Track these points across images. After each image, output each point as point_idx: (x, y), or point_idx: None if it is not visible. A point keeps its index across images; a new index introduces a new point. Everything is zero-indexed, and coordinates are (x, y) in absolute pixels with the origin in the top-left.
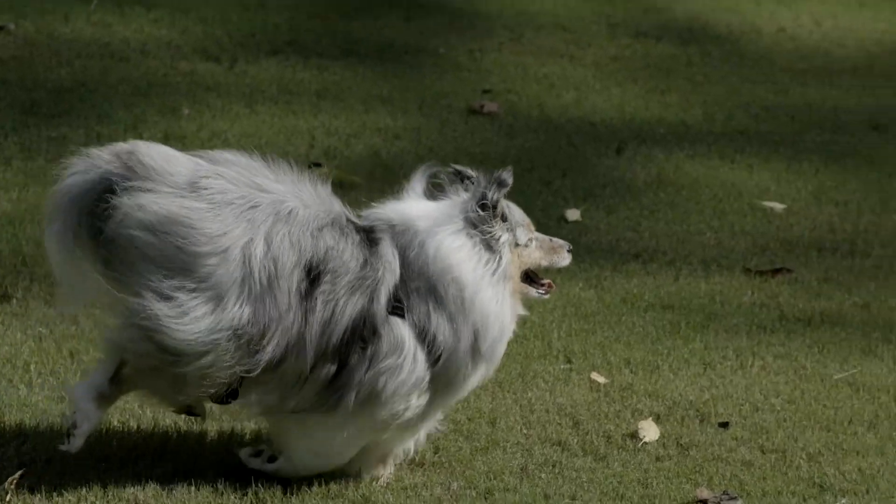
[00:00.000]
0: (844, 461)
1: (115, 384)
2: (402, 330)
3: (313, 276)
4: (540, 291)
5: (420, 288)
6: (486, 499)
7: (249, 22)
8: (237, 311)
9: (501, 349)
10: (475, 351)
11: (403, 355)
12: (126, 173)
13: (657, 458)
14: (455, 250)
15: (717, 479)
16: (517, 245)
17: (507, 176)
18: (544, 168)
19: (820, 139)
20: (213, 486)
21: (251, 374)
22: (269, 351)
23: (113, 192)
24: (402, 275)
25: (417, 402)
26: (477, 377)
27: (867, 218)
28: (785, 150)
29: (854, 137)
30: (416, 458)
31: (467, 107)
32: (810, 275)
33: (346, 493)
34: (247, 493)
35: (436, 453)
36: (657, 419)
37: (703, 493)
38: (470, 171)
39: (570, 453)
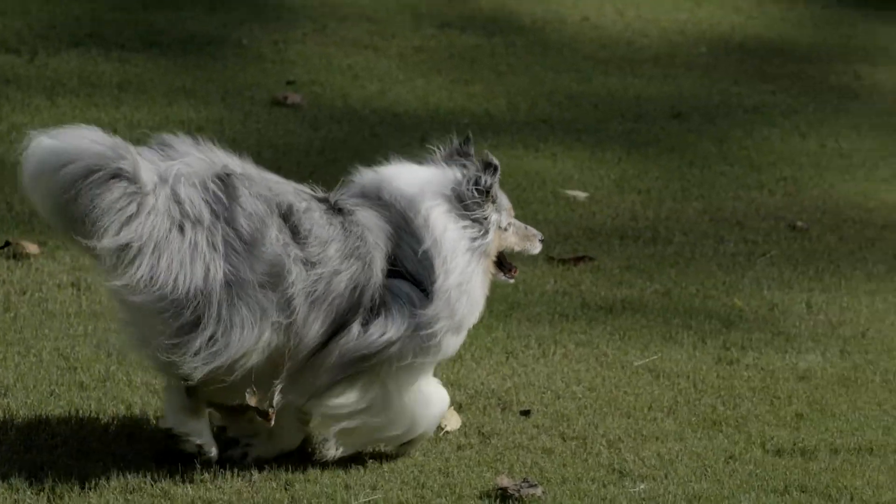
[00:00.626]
0: (644, 447)
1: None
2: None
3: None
4: (507, 276)
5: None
6: (286, 489)
7: (50, 13)
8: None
9: (472, 320)
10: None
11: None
12: None
13: (458, 447)
14: (442, 218)
15: (517, 467)
16: (499, 227)
17: (494, 159)
18: (348, 159)
19: (622, 128)
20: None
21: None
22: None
23: None
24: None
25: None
26: (451, 342)
27: (668, 206)
28: (588, 139)
29: (656, 126)
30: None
31: (271, 98)
32: (612, 262)
33: (146, 487)
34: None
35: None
36: (459, 408)
37: (504, 480)
38: (467, 149)
39: None
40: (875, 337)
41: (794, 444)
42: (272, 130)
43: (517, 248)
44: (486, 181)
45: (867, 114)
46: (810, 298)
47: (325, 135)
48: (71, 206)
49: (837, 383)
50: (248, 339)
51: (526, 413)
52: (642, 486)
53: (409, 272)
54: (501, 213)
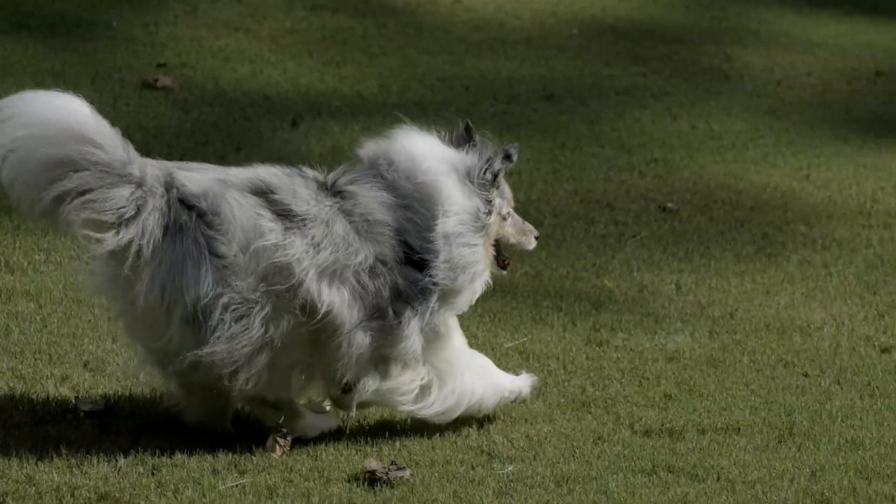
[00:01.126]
0: (513, 429)
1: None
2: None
3: None
4: (501, 268)
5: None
6: (153, 474)
7: None
8: None
9: (476, 287)
10: (450, 268)
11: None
12: None
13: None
14: (454, 184)
15: (386, 450)
16: (500, 213)
17: (515, 151)
18: (219, 142)
19: (494, 109)
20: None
21: None
22: None
23: None
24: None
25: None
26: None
27: (539, 188)
28: (459, 121)
29: (528, 108)
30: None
31: (141, 81)
32: None
33: (10, 472)
34: None
35: (104, 431)
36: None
37: (372, 463)
38: (472, 135)
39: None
40: (743, 317)
41: (662, 425)
42: (143, 113)
43: (513, 241)
44: (496, 166)
45: (738, 95)
46: (680, 280)
47: (196, 117)
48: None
49: (706, 364)
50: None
51: None
52: (510, 468)
53: (413, 246)
54: (504, 201)
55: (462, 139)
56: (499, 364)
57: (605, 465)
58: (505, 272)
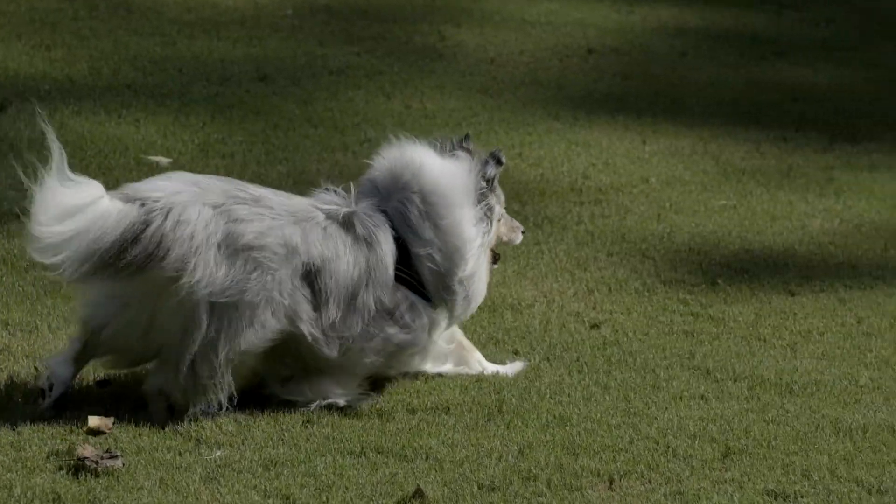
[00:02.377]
0: (222, 414)
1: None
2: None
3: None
4: (493, 262)
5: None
6: None
7: None
8: None
9: (477, 304)
10: (466, 301)
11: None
12: None
13: (32, 419)
14: (469, 221)
15: (93, 438)
16: (498, 220)
17: (503, 155)
18: None
19: (207, 91)
20: None
21: None
22: None
23: None
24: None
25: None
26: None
27: (252, 169)
28: (172, 104)
29: (241, 89)
30: None
31: None
32: None
33: None
34: None
35: None
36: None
37: (87, 450)
38: (468, 145)
39: None
40: None
41: (372, 406)
42: None
43: (505, 239)
44: (490, 172)
45: (451, 74)
46: None
47: None
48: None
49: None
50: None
51: (104, 383)
52: (219, 454)
53: (430, 291)
54: (500, 204)
55: (457, 147)
56: None
57: (313, 447)
58: (496, 265)
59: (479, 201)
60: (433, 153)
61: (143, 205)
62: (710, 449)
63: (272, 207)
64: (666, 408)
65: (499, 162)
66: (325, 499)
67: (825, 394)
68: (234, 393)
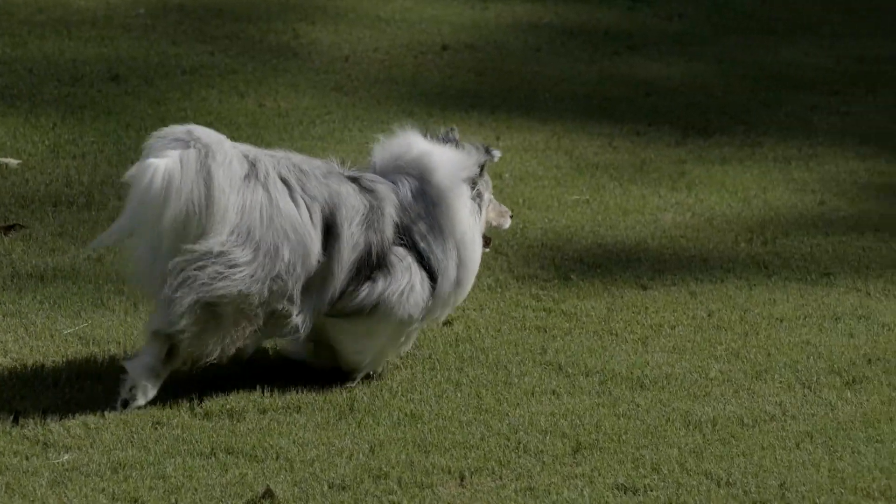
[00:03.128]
0: (70, 416)
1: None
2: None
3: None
4: (484, 245)
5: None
6: None
7: None
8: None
9: (472, 283)
10: (458, 281)
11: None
12: None
13: None
14: (462, 201)
15: None
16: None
17: (494, 150)
18: None
19: (59, 92)
20: None
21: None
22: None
23: None
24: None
25: (420, 314)
26: (452, 303)
27: (104, 170)
28: (22, 104)
29: (93, 89)
30: None
31: None
32: (45, 230)
33: None
34: None
35: None
36: None
37: None
38: (454, 136)
39: None
40: None
41: (223, 406)
42: None
43: (494, 223)
44: (483, 158)
45: (306, 72)
46: None
47: None
48: None
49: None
50: None
51: None
52: (66, 457)
53: (418, 249)
54: (488, 191)
55: (446, 139)
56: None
57: (163, 449)
58: (487, 249)
59: (472, 188)
60: (431, 141)
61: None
62: (561, 444)
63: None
64: (518, 404)
65: (487, 151)
66: (173, 501)
67: (675, 387)
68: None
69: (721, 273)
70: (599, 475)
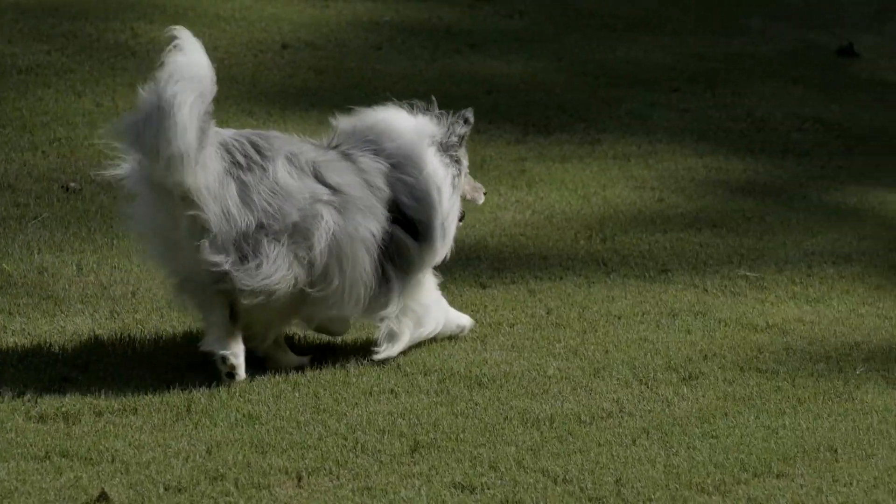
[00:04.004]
0: None
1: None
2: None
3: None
4: (458, 219)
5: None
6: None
7: None
8: None
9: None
10: (444, 243)
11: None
12: None
13: None
14: (440, 167)
15: None
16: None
17: (471, 115)
18: None
19: None
20: None
21: None
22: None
23: None
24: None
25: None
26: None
27: None
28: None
29: None
30: None
31: None
32: None
33: None
34: None
35: None
36: None
37: None
38: (433, 108)
39: None
40: (145, 296)
41: (58, 409)
42: None
43: (468, 197)
44: (462, 130)
45: (144, 71)
46: (81, 260)
47: None
48: None
49: (107, 344)
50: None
51: None
52: None
53: (405, 213)
54: (465, 159)
55: (424, 110)
56: None
57: None
58: (460, 223)
59: (449, 153)
60: (399, 111)
61: None
62: (399, 443)
63: None
64: (356, 403)
65: (466, 121)
66: None
67: (514, 385)
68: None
69: (560, 271)
70: (437, 474)
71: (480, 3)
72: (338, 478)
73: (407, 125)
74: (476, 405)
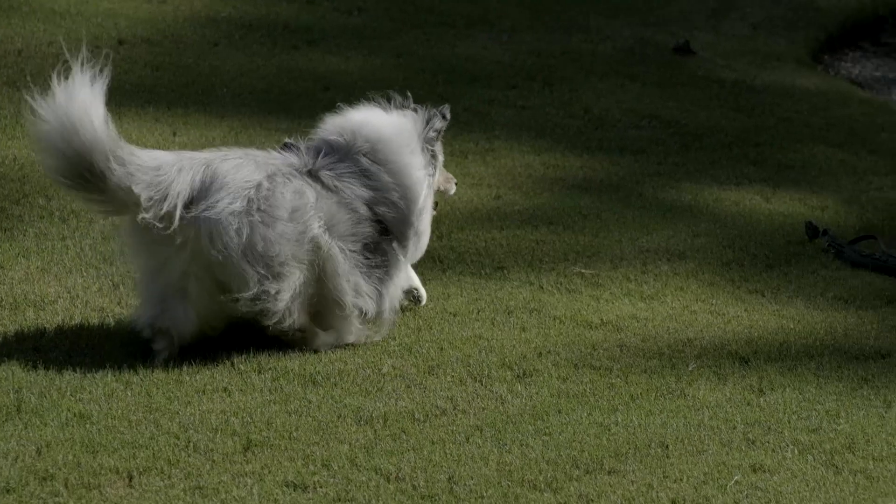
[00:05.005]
0: None
1: None
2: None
3: None
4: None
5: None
6: None
7: None
8: None
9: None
10: (417, 238)
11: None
12: None
13: None
14: (417, 166)
15: None
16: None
17: (448, 112)
18: None
19: None
20: None
21: None
22: None
23: None
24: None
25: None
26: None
27: None
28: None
29: None
30: None
31: None
32: None
33: None
34: None
35: None
36: None
37: None
38: (409, 102)
39: None
40: None
41: None
42: None
43: (441, 188)
44: (440, 125)
45: None
46: None
47: None
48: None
49: None
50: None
51: None
52: None
53: (382, 214)
54: (440, 154)
55: (402, 106)
56: None
57: None
58: (435, 212)
59: (428, 149)
60: (376, 109)
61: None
62: (232, 442)
63: None
64: (189, 402)
65: (444, 117)
66: None
67: (348, 383)
68: None
69: None
70: (269, 473)
71: None
72: (169, 477)
73: (390, 130)
74: (310, 403)
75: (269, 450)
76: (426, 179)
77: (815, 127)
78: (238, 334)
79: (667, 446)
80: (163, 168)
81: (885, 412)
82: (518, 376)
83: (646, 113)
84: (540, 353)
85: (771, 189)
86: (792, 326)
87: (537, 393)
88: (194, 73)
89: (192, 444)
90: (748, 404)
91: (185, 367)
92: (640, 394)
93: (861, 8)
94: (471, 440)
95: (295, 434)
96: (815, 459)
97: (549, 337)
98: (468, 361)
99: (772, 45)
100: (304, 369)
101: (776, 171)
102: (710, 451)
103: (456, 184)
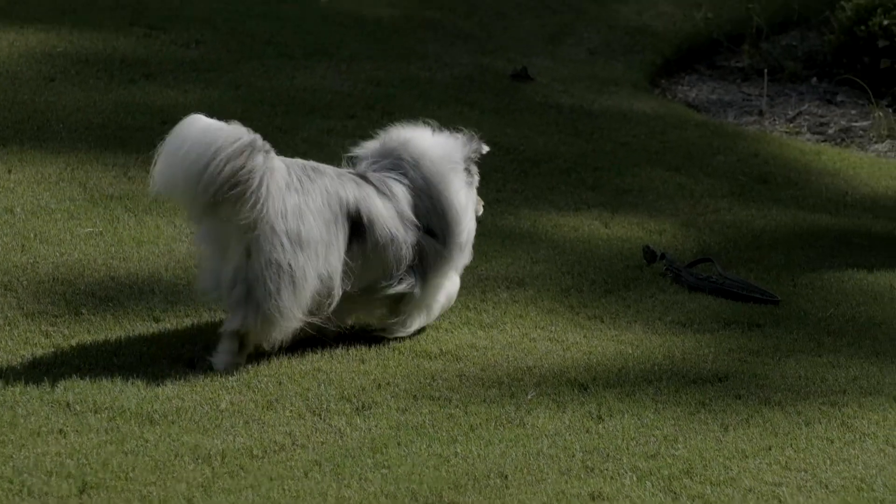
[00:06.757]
0: None
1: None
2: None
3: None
4: None
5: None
6: None
7: None
8: None
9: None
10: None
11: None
12: None
13: None
14: (462, 189)
15: None
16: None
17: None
18: None
19: None
20: None
21: None
22: None
23: None
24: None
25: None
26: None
27: None
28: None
29: None
30: None
31: None
32: None
33: None
34: None
35: None
36: None
37: None
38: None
39: None
40: None
41: None
42: None
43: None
44: (482, 149)
45: None
46: None
47: None
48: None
49: None
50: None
51: None
52: None
53: (429, 227)
54: (477, 177)
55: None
56: None
57: None
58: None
59: (468, 171)
60: (423, 130)
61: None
62: (67, 485)
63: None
64: (23, 445)
65: (481, 142)
66: None
67: (186, 421)
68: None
69: None
70: None
71: (156, 32)
72: None
73: (437, 152)
74: (147, 442)
75: (104, 492)
76: (471, 201)
77: (652, 151)
78: (71, 372)
79: (506, 476)
80: None
81: (723, 436)
82: (357, 409)
83: (484, 140)
84: (379, 384)
85: (609, 214)
86: (630, 352)
87: (376, 425)
88: (30, 109)
89: (26, 489)
90: (587, 431)
91: (18, 410)
92: (480, 424)
93: (696, 32)
94: (309, 475)
95: (131, 474)
96: (653, 486)
97: (388, 368)
98: (307, 395)
99: (609, 70)
100: (142, 408)
101: (614, 195)
102: (550, 480)
103: (483, 206)
